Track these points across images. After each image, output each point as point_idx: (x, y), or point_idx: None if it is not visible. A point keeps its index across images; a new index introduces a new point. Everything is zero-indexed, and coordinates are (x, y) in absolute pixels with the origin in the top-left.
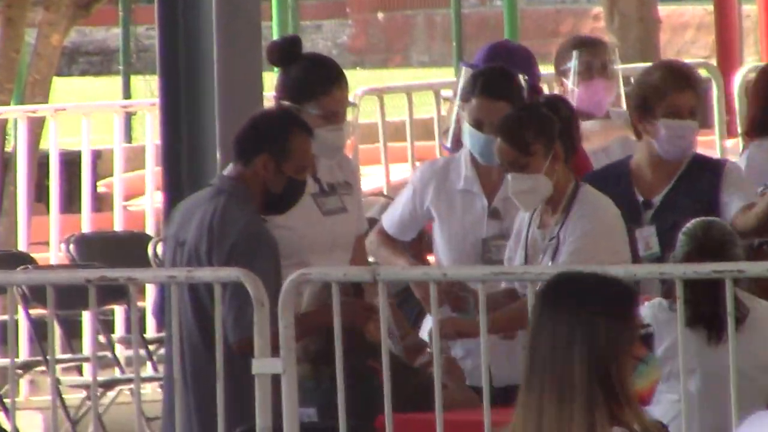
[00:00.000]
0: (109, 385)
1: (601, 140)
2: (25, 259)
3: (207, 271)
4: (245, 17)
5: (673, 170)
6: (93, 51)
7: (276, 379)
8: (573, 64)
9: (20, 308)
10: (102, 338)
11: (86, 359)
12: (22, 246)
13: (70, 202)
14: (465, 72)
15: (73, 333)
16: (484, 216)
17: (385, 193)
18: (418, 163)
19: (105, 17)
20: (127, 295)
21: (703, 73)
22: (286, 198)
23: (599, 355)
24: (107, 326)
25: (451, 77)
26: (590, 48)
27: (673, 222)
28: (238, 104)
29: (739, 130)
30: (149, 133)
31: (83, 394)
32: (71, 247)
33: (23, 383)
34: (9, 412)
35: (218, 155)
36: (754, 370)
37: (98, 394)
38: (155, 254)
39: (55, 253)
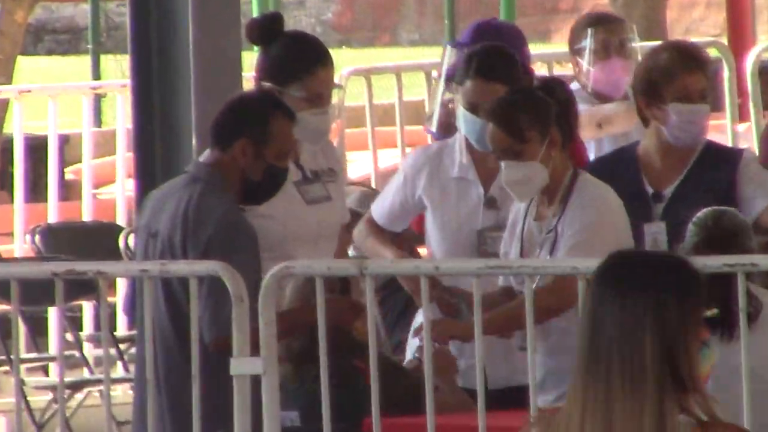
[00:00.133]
0: (77, 386)
1: (623, 124)
2: None
3: (182, 264)
4: None
5: (684, 159)
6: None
7: (256, 381)
8: (588, 42)
9: None
10: (69, 336)
11: (52, 359)
12: None
13: (36, 190)
14: (450, 52)
15: (38, 330)
16: (479, 205)
17: (373, 180)
18: (408, 149)
19: None
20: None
21: (713, 52)
22: (267, 186)
23: (669, 338)
24: (75, 323)
25: None
26: (607, 25)
27: (685, 217)
28: (216, 86)
29: (752, 112)
30: (120, 116)
31: (49, 396)
32: (37, 238)
33: None
34: None
35: (194, 140)
36: (767, 369)
37: (65, 396)
38: (127, 246)
39: (19, 245)
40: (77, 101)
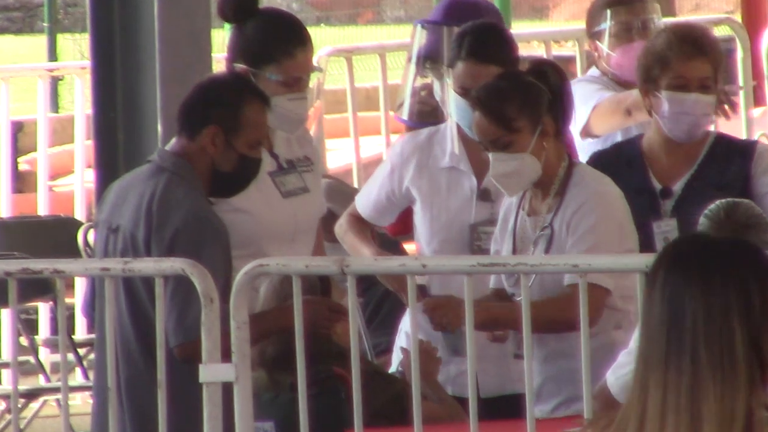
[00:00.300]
0: (32, 395)
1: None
2: None
3: (147, 262)
4: None
5: (693, 154)
6: (13, 6)
7: (227, 389)
8: (608, 25)
9: None
10: (24, 340)
11: (5, 365)
12: None
13: None
14: (419, 32)
15: None
16: (472, 198)
17: (355, 170)
18: (393, 136)
19: None
20: (54, 290)
21: (725, 30)
22: (238, 177)
23: (755, 324)
24: (30, 326)
25: None
26: (628, 5)
27: (697, 214)
28: (183, 67)
29: None
30: (79, 101)
31: (2, 405)
32: None
33: None
34: None
35: (159, 127)
36: None
37: (19, 405)
38: (86, 243)
39: None
40: (32, 84)
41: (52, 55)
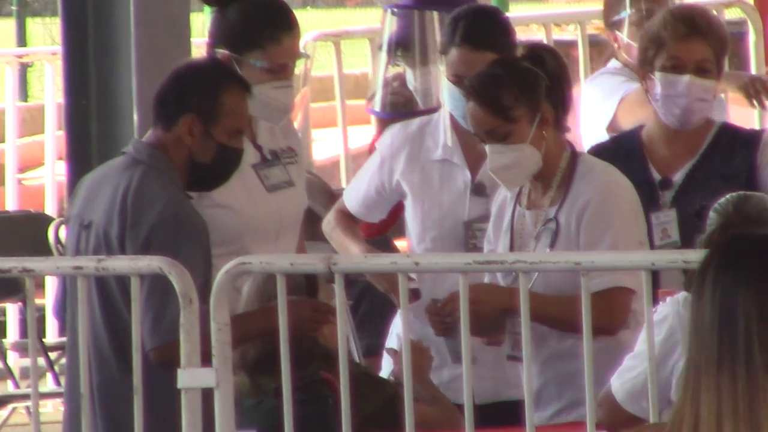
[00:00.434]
0: (0, 402)
1: None
2: None
3: (123, 260)
4: None
5: (695, 144)
6: None
7: (207, 395)
8: (627, 13)
9: None
10: None
11: None
12: None
13: None
14: (389, 18)
15: None
16: (466, 193)
17: (343, 162)
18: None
19: None
20: (23, 290)
21: (736, 13)
22: (218, 169)
23: None
24: None
25: None
26: None
27: (699, 206)
28: (160, 53)
29: None
30: (49, 89)
31: None
32: None
33: None
34: None
35: (135, 117)
36: None
37: None
38: (57, 240)
39: None
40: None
41: (21, 40)
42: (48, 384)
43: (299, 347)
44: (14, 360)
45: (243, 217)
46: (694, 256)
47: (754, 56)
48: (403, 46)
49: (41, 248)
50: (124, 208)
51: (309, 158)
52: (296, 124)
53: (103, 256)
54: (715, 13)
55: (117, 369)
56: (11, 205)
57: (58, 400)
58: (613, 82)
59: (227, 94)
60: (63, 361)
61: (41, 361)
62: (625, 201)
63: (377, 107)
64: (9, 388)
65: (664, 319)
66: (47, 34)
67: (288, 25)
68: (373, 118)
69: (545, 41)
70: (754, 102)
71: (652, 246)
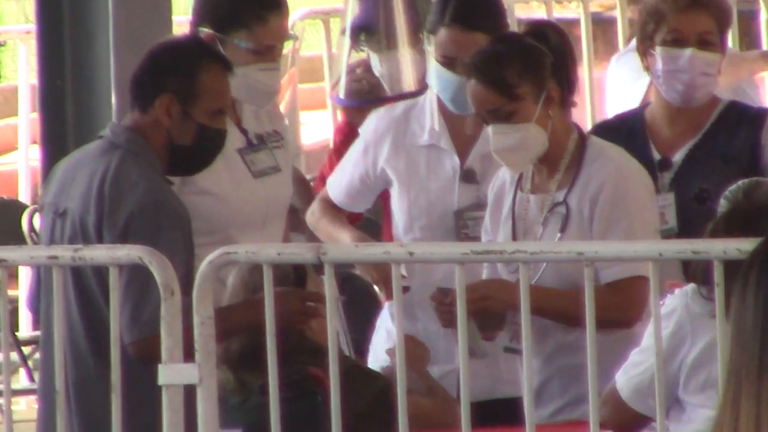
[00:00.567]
0: None
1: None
2: None
3: (100, 249)
4: None
5: (698, 122)
6: None
7: (190, 392)
8: None
9: None
10: None
11: None
12: None
13: None
14: (352, 1)
15: None
16: (455, 179)
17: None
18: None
19: None
20: None
21: None
22: (199, 151)
23: None
24: None
25: None
26: None
27: (699, 189)
28: (140, 32)
29: None
30: (23, 69)
31: None
32: None
33: None
34: None
35: (113, 99)
36: None
37: None
38: (32, 228)
39: None
40: None
41: None
42: (21, 380)
43: (286, 341)
44: None
45: (228, 204)
46: (704, 246)
47: (766, 35)
48: (366, 30)
49: (14, 237)
50: (101, 194)
51: (297, 142)
52: (283, 106)
53: (79, 245)
54: None
55: (94, 364)
56: None
57: (32, 398)
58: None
59: (205, 73)
60: (37, 356)
61: (14, 356)
62: (642, 185)
63: (342, 94)
64: None
65: (672, 312)
66: (21, 12)
67: (274, 4)
68: (333, 106)
69: (545, 18)
70: None
71: None
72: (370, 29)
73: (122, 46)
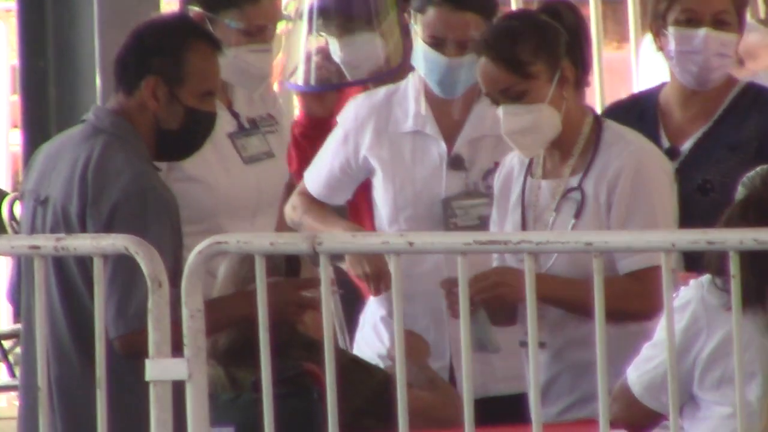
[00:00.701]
0: None
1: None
2: None
3: (85, 239)
4: None
5: (711, 107)
6: None
7: (178, 388)
8: None
9: None
10: None
11: None
12: None
13: None
14: None
15: None
16: (442, 167)
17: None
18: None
19: None
20: None
21: None
22: (188, 137)
23: None
24: None
25: None
26: None
27: (702, 181)
28: (126, 10)
29: None
30: (3, 49)
31: None
32: None
33: None
34: None
35: (98, 80)
36: None
37: None
38: (12, 216)
39: None
40: None
41: None
42: (1, 376)
43: (279, 335)
44: None
45: (216, 191)
46: (719, 235)
47: None
48: (324, 14)
49: None
50: (84, 182)
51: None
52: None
53: (62, 235)
54: None
55: (78, 360)
56: None
57: (13, 394)
58: None
59: (193, 53)
60: (18, 350)
61: None
62: (662, 171)
63: (300, 81)
64: None
65: (686, 305)
66: None
67: None
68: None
69: None
70: None
71: None
72: (327, 14)
73: (108, 25)
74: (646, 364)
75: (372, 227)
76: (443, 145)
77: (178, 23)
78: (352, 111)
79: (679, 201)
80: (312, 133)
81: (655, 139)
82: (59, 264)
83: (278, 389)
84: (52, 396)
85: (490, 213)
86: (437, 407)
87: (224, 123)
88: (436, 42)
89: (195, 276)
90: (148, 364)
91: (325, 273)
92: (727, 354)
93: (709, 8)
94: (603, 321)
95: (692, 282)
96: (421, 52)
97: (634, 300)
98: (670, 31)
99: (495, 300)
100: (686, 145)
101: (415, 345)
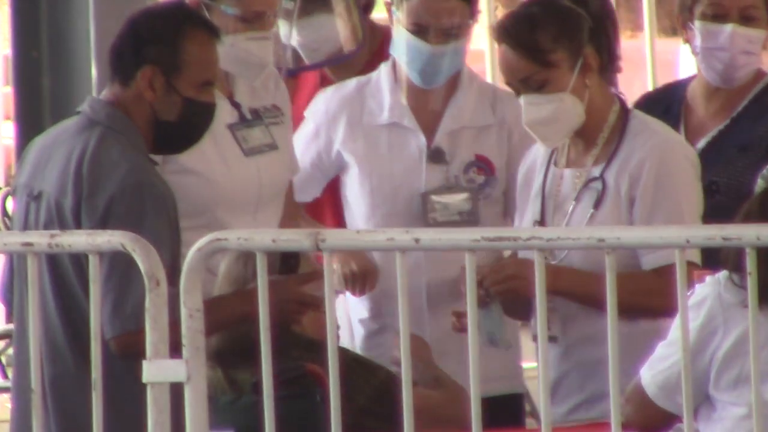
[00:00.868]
0: None
1: None
2: None
3: (79, 235)
4: None
5: (733, 102)
6: None
7: (177, 390)
8: None
9: None
10: None
11: None
12: None
13: None
14: None
15: None
16: (421, 160)
17: None
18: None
19: None
20: None
21: None
22: (186, 128)
23: None
24: None
25: None
26: None
27: (709, 182)
28: None
29: None
30: None
31: None
32: None
33: None
34: None
35: (93, 71)
36: None
37: None
38: (4, 211)
39: None
40: None
41: None
42: None
43: (280, 335)
44: None
45: (214, 184)
46: (735, 231)
47: None
48: None
49: None
50: (79, 176)
51: None
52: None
53: (56, 231)
54: None
55: (72, 360)
56: None
57: (5, 396)
58: None
59: (190, 41)
60: (10, 351)
61: None
62: (688, 163)
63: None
64: None
65: (702, 302)
66: None
67: None
68: None
69: None
70: None
71: None
72: None
73: (103, 13)
74: (661, 364)
75: (336, 225)
76: (422, 138)
77: (175, 10)
78: (322, 104)
79: None
80: None
81: None
82: (53, 261)
83: (280, 391)
84: (46, 397)
85: (470, 208)
86: (443, 405)
87: (224, 114)
88: (420, 29)
89: (194, 274)
90: (145, 365)
91: (328, 270)
92: (744, 353)
93: (736, 3)
94: (615, 318)
95: (708, 278)
96: (403, 40)
97: (656, 297)
98: (696, 25)
99: (510, 293)
100: (701, 144)
101: (415, 346)
